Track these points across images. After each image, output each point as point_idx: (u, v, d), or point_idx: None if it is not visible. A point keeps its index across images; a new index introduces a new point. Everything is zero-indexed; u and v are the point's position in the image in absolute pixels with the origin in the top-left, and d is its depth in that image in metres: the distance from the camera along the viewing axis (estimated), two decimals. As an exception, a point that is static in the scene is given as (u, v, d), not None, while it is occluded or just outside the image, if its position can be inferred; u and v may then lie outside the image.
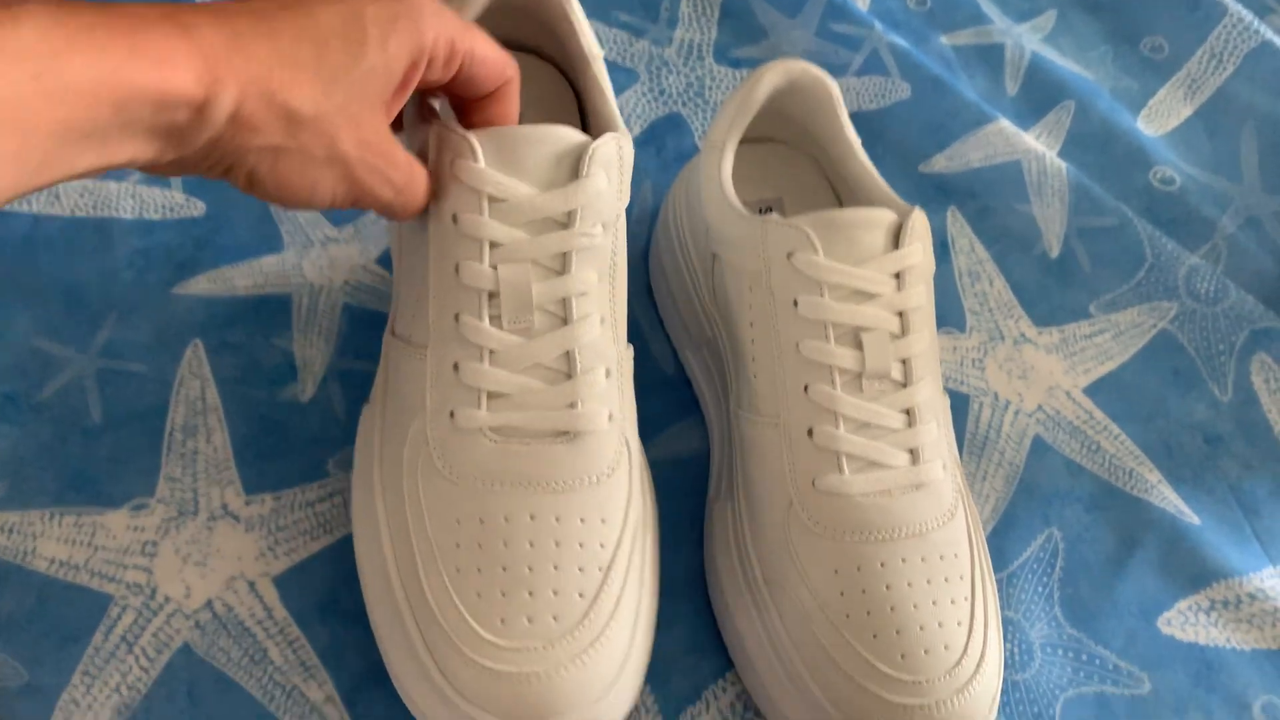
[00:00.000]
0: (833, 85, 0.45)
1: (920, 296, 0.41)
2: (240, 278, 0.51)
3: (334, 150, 0.34)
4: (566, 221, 0.38)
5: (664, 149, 0.58)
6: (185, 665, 0.42)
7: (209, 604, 0.43)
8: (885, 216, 0.41)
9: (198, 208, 0.52)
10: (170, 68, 0.30)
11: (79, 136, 0.29)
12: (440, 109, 0.42)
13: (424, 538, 0.37)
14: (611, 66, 0.60)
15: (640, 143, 0.58)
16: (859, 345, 0.40)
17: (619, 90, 0.59)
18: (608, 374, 0.39)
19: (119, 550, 0.43)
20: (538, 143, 0.38)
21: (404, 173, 0.37)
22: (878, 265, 0.40)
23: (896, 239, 0.41)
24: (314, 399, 0.48)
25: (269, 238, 0.52)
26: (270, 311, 0.50)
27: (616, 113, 0.43)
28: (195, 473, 0.45)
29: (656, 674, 0.43)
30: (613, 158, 0.39)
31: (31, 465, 0.45)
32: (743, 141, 0.50)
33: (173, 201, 0.52)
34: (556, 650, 0.35)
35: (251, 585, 0.43)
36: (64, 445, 0.45)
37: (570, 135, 0.38)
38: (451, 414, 0.38)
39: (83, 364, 0.47)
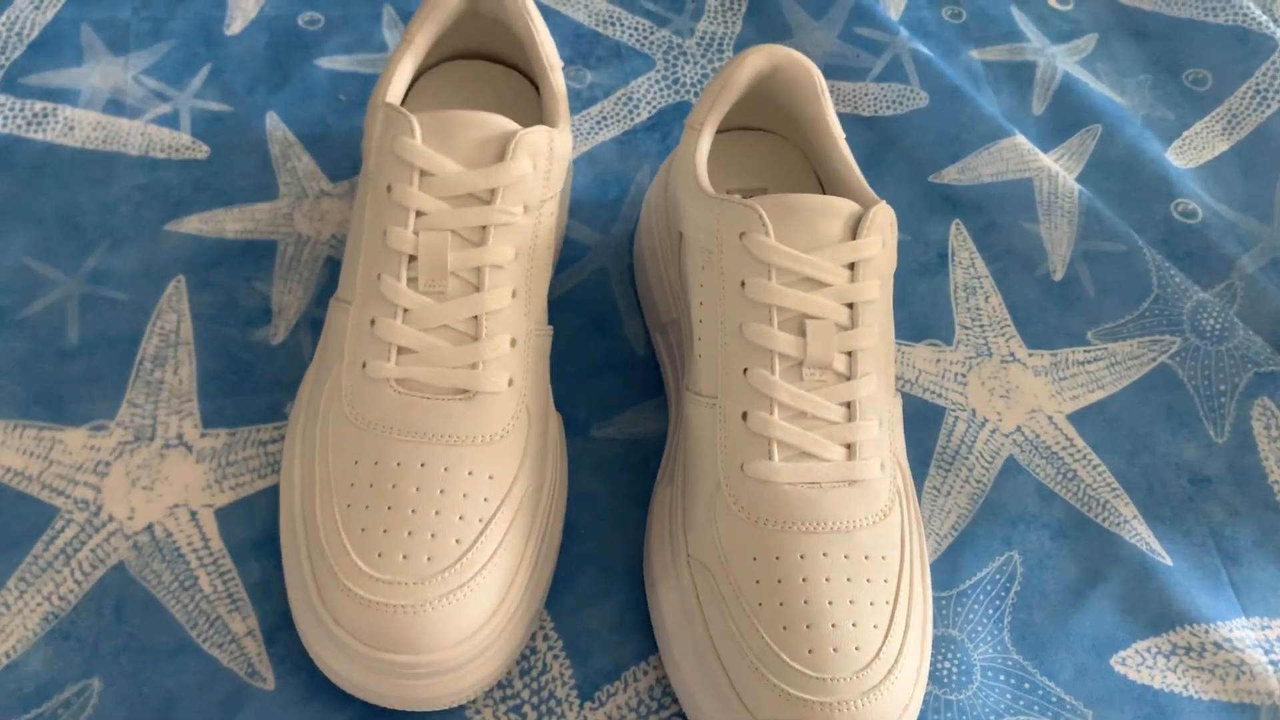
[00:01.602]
0: (816, 72, 0.44)
1: (873, 291, 0.40)
2: (232, 221, 0.52)
3: None
4: (488, 199, 0.41)
5: (668, 136, 0.58)
6: (117, 583, 0.42)
7: (149, 527, 0.44)
8: (845, 206, 0.40)
9: (202, 151, 0.54)
10: None
11: None
12: (393, 98, 0.46)
13: (325, 474, 0.39)
14: (628, 51, 0.60)
15: (647, 128, 0.58)
16: (803, 332, 0.39)
17: (634, 75, 0.59)
18: (513, 343, 0.41)
19: (72, 466, 0.45)
20: (470, 126, 0.41)
21: None
22: (831, 254, 0.40)
23: (855, 230, 0.40)
24: (283, 343, 0.49)
25: (266, 186, 0.53)
26: (255, 255, 0.51)
27: (566, 114, 0.46)
28: (158, 401, 0.46)
29: (578, 648, 0.43)
30: (541, 147, 0.42)
31: (4, 377, 0.46)
32: (735, 129, 0.50)
33: (179, 143, 0.54)
34: (425, 588, 0.36)
35: (194, 515, 0.44)
36: (38, 362, 0.47)
37: (501, 123, 0.41)
38: (364, 365, 0.41)
39: (69, 287, 0.49)
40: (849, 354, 0.40)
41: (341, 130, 0.56)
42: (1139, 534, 0.48)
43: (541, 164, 0.42)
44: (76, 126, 0.53)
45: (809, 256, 0.39)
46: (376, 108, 0.43)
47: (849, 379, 0.40)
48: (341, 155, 0.55)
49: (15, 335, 0.47)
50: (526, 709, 0.42)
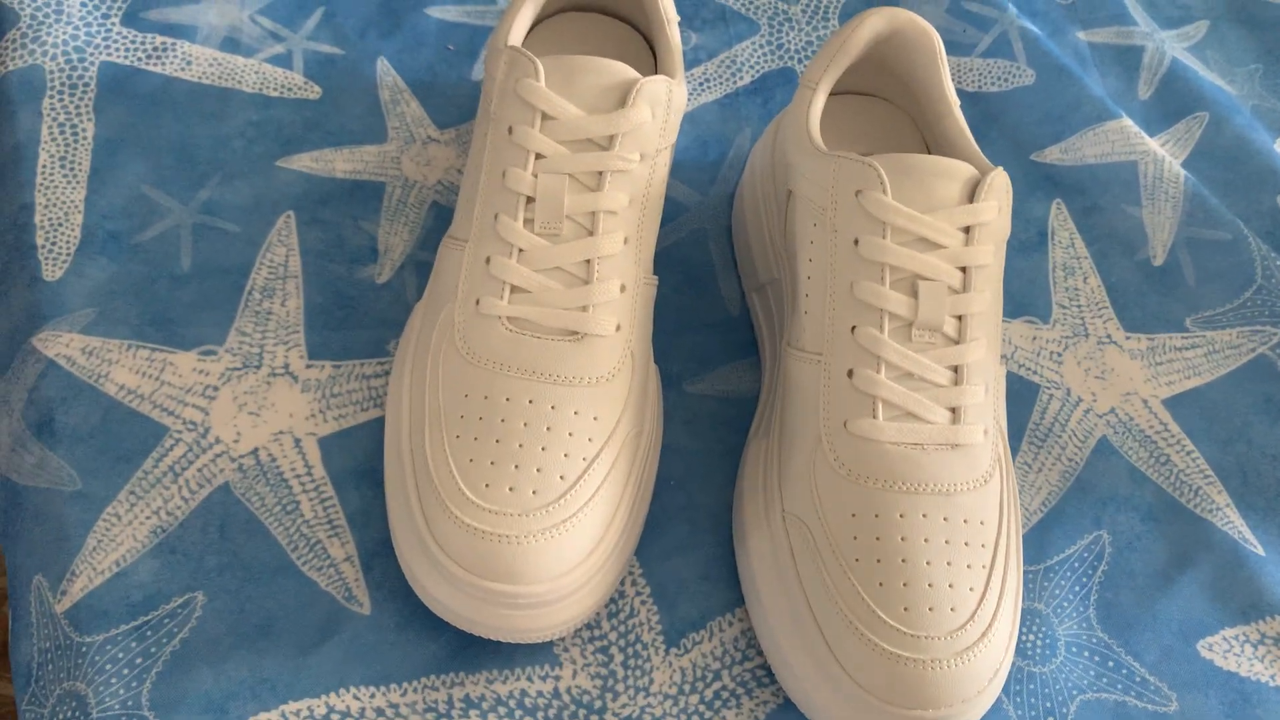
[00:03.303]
0: (936, 38, 0.44)
1: (987, 255, 0.40)
2: (341, 161, 0.53)
3: None
4: (607, 145, 0.42)
5: (771, 100, 0.58)
6: (222, 503, 0.44)
7: (254, 451, 0.45)
8: (963, 169, 0.40)
9: (314, 91, 0.54)
10: None
11: None
12: (513, 43, 0.46)
13: (435, 406, 0.40)
14: (733, 15, 0.60)
15: (749, 92, 0.58)
16: (914, 293, 0.40)
17: (738, 39, 0.59)
18: (623, 289, 0.42)
19: (182, 388, 0.46)
20: (593, 72, 0.42)
21: None
22: (947, 216, 0.40)
23: (973, 194, 0.40)
24: (388, 283, 0.50)
25: (375, 130, 0.54)
26: (364, 196, 0.52)
27: (681, 69, 0.47)
28: (265, 331, 0.48)
29: (666, 596, 0.44)
30: (660, 96, 0.42)
31: (120, 299, 0.48)
32: (844, 93, 0.50)
33: (292, 82, 0.55)
34: (529, 521, 0.37)
35: (297, 442, 0.45)
36: (152, 286, 0.48)
37: (624, 70, 0.42)
38: (477, 301, 0.41)
39: (182, 215, 0.50)
40: (959, 318, 0.40)
41: (449, 79, 0.56)
42: (1231, 522, 0.48)
43: (660, 113, 0.42)
44: (194, 61, 0.54)
45: (925, 217, 0.39)
46: (498, 51, 0.43)
47: (958, 343, 0.40)
48: (448, 103, 0.55)
49: (131, 259, 0.49)
50: (613, 650, 0.42)
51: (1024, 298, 0.53)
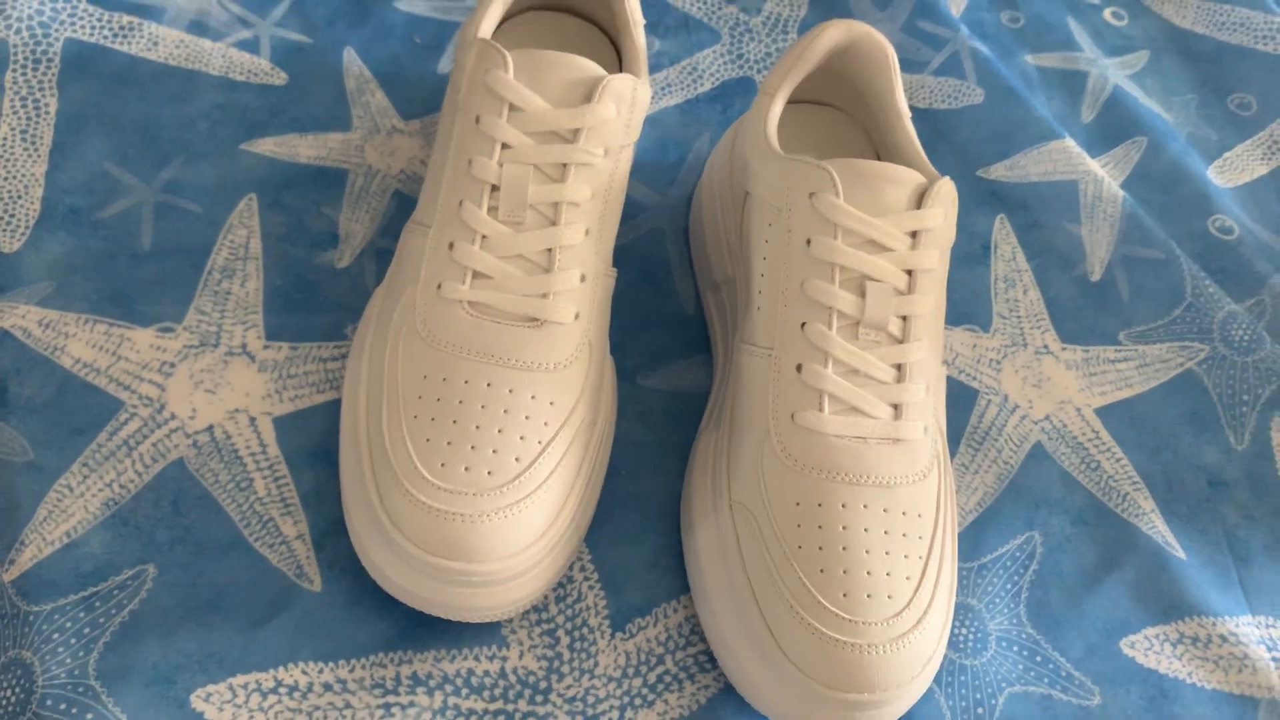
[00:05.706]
0: (890, 50, 0.46)
1: (932, 260, 0.42)
2: (305, 147, 0.53)
3: None
4: (572, 138, 0.43)
5: (730, 107, 0.59)
6: (176, 478, 0.44)
7: (210, 428, 0.45)
8: (912, 176, 0.42)
9: (280, 77, 0.55)
10: None
11: None
12: (486, 33, 0.47)
13: (393, 387, 0.41)
14: (696, 24, 0.62)
15: (709, 98, 0.59)
16: (862, 293, 0.41)
17: (699, 47, 0.61)
18: (583, 279, 0.43)
19: (139, 364, 0.46)
20: (562, 67, 0.43)
21: None
22: (895, 220, 0.41)
23: (920, 201, 0.42)
24: (347, 269, 0.50)
25: (340, 118, 0.55)
26: (326, 182, 0.52)
27: (646, 70, 0.48)
28: (224, 310, 0.48)
29: (613, 582, 0.45)
30: (625, 94, 0.44)
31: (79, 273, 0.48)
32: (801, 102, 0.51)
33: (259, 68, 0.55)
34: (483, 500, 0.38)
35: (253, 420, 0.46)
36: (112, 262, 0.48)
37: (590, 67, 0.43)
38: (439, 285, 0.42)
39: (145, 194, 0.50)
40: (904, 318, 0.42)
41: (415, 71, 0.57)
42: (1156, 527, 0.50)
43: (624, 111, 0.43)
44: (160, 42, 0.55)
45: (875, 220, 0.41)
46: (469, 42, 0.44)
47: (901, 342, 0.42)
48: (413, 95, 0.56)
49: (91, 234, 0.49)
50: (560, 633, 0.43)
51: (966, 307, 0.55)
